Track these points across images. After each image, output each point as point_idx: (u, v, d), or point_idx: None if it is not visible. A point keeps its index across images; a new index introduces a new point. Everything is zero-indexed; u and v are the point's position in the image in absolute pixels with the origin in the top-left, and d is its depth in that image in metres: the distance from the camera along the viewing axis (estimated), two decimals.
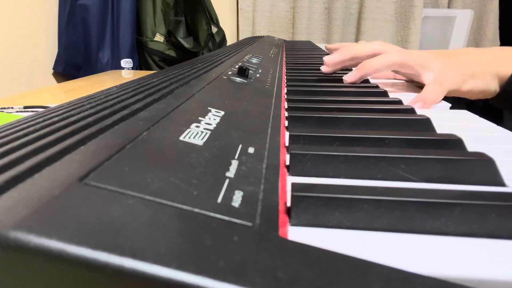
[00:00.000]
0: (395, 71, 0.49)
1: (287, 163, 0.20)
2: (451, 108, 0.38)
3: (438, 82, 0.40)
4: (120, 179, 0.12)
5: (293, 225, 0.14)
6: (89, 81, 0.90)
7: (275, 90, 0.37)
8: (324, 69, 0.51)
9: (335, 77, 0.50)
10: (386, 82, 0.52)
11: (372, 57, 0.45)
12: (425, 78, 0.41)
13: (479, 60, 0.41)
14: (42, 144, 0.14)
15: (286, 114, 0.29)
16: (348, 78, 0.45)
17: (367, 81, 0.48)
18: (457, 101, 0.49)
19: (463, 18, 1.48)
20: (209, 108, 0.24)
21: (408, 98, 0.39)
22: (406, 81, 0.53)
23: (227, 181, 0.15)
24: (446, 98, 0.42)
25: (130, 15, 1.48)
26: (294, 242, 0.11)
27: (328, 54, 0.75)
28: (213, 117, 0.22)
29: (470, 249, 0.13)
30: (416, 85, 0.49)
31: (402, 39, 1.63)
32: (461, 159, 0.19)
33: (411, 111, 0.32)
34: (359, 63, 0.46)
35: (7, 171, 0.12)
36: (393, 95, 0.40)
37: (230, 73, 0.38)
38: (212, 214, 0.12)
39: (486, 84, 0.41)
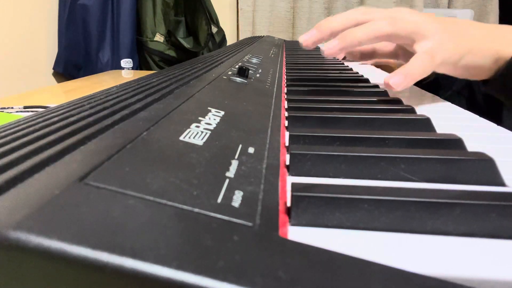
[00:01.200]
0: (376, 51, 0.43)
1: (287, 163, 0.20)
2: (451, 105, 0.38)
3: (429, 54, 0.34)
4: (120, 179, 0.12)
5: (293, 225, 0.14)
6: (89, 81, 0.90)
7: (275, 90, 0.37)
8: (304, 44, 0.42)
9: (335, 77, 0.50)
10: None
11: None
12: (419, 46, 0.35)
13: (481, 35, 0.36)
14: (42, 144, 0.14)
15: (286, 114, 0.29)
16: (327, 49, 0.38)
17: (367, 80, 0.48)
18: (457, 99, 0.48)
19: (463, 18, 1.48)
20: (209, 108, 0.24)
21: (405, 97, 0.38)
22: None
23: (227, 181, 0.15)
24: (446, 97, 0.42)
25: (130, 15, 1.48)
26: (294, 242, 0.11)
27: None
28: (213, 117, 0.22)
29: (470, 249, 0.13)
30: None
31: None
32: (461, 159, 0.19)
33: (411, 111, 0.32)
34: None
35: (7, 171, 0.12)
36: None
37: (230, 73, 0.38)
38: (212, 214, 0.12)
39: (483, 61, 0.36)
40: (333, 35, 0.39)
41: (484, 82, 0.39)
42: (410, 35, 0.35)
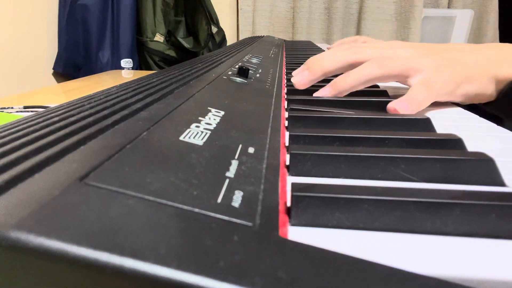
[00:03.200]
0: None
1: (287, 163, 0.20)
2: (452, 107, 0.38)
3: (425, 85, 0.34)
4: (120, 179, 0.12)
5: (293, 225, 0.14)
6: (89, 81, 0.90)
7: (275, 90, 0.37)
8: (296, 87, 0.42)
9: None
10: (388, 86, 0.48)
11: (346, 69, 0.38)
12: (414, 80, 0.35)
13: (475, 60, 0.35)
14: (42, 144, 0.14)
15: (286, 114, 0.29)
16: (320, 95, 0.38)
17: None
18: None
19: (463, 18, 1.48)
20: (209, 108, 0.24)
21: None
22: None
23: (227, 181, 0.15)
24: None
25: (130, 15, 1.48)
26: (294, 242, 0.11)
27: None
28: (213, 117, 0.22)
29: (470, 249, 0.13)
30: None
31: (402, 39, 1.63)
32: (461, 159, 0.19)
33: None
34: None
35: (7, 171, 0.12)
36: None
37: (230, 73, 0.38)
38: (212, 214, 0.12)
39: (483, 87, 0.35)
40: (325, 75, 0.40)
41: (486, 103, 0.38)
42: (403, 73, 0.35)
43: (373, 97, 0.37)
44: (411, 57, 0.36)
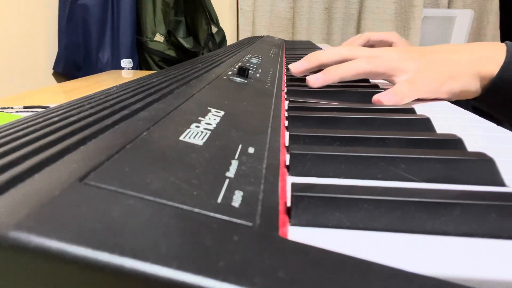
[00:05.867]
0: None
1: (287, 163, 0.20)
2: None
3: (409, 82, 0.37)
4: (120, 179, 0.12)
5: (293, 225, 0.14)
6: (89, 81, 0.90)
7: (275, 90, 0.37)
8: (291, 72, 0.47)
9: None
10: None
11: (340, 62, 0.42)
12: (399, 78, 0.38)
13: (458, 59, 0.38)
14: (42, 144, 0.14)
15: (286, 114, 0.29)
16: (311, 81, 0.41)
17: (367, 80, 0.48)
18: (457, 100, 0.48)
19: (463, 18, 1.48)
20: (209, 108, 0.24)
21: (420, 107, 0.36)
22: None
23: (227, 181, 0.15)
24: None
25: (130, 15, 1.48)
26: (294, 242, 0.11)
27: None
28: (213, 117, 0.22)
29: (470, 249, 0.13)
30: None
31: None
32: (461, 159, 0.19)
33: (411, 111, 0.32)
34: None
35: (7, 171, 0.12)
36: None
37: (230, 73, 0.38)
38: (212, 214, 0.12)
39: (467, 84, 0.38)
40: (320, 66, 0.43)
41: (474, 99, 0.41)
42: (389, 71, 0.39)
43: (364, 89, 0.39)
44: (398, 59, 0.39)
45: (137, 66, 1.55)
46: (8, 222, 0.09)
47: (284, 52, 0.84)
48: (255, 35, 1.52)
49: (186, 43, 1.55)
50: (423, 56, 0.39)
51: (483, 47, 0.39)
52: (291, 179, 0.19)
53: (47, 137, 0.15)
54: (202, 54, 1.56)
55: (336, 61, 0.42)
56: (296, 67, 0.45)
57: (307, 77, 0.41)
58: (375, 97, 0.36)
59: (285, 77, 0.50)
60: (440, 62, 0.38)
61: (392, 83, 0.40)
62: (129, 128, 0.17)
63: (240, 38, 1.75)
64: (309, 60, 0.44)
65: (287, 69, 0.49)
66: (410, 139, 0.23)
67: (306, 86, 0.43)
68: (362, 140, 0.23)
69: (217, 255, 0.10)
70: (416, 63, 0.38)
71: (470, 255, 0.13)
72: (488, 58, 0.38)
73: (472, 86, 0.38)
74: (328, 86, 0.43)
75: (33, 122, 0.18)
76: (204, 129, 0.20)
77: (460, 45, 0.41)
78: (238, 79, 0.36)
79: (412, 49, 0.41)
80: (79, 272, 0.09)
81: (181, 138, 0.18)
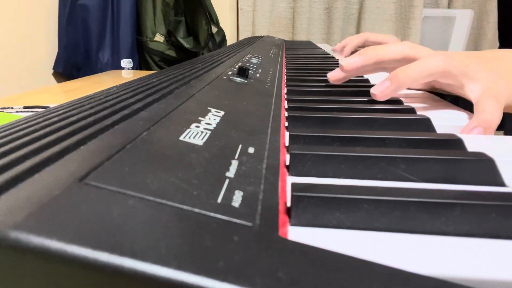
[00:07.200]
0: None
1: (287, 163, 0.20)
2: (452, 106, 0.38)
3: (494, 98, 0.31)
4: (120, 179, 0.12)
5: (293, 225, 0.14)
6: (89, 81, 0.90)
7: (275, 90, 0.37)
8: (336, 75, 0.40)
9: None
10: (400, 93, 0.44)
11: (401, 62, 0.35)
12: (470, 91, 0.33)
13: None
14: (42, 144, 0.14)
15: (286, 114, 0.29)
16: (379, 93, 0.34)
17: (367, 80, 0.48)
18: (458, 100, 0.47)
19: (463, 18, 1.48)
20: (209, 108, 0.24)
21: (427, 111, 0.35)
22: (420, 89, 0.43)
23: (227, 181, 0.15)
24: (443, 96, 0.42)
25: (130, 15, 1.48)
26: (294, 242, 0.11)
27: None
28: (213, 117, 0.22)
29: (470, 249, 0.13)
30: (430, 90, 0.43)
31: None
32: (461, 159, 0.19)
33: (411, 111, 0.32)
34: (382, 68, 0.38)
35: (7, 171, 0.12)
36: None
37: (230, 73, 0.38)
38: (212, 214, 0.12)
39: None
40: (377, 64, 0.38)
41: None
42: (460, 76, 0.33)
43: (363, 88, 0.37)
44: (467, 64, 0.33)
45: (137, 66, 1.55)
46: (8, 222, 0.09)
47: (284, 52, 0.84)
48: (255, 35, 1.52)
49: (186, 43, 1.55)
50: (487, 62, 0.34)
51: None
52: (291, 179, 0.19)
53: (47, 137, 0.15)
54: (202, 54, 1.56)
55: (396, 59, 0.37)
56: (350, 64, 0.38)
57: (372, 91, 0.34)
58: (469, 131, 0.29)
59: (285, 77, 0.50)
60: (509, 70, 0.34)
61: (457, 91, 0.34)
62: (129, 128, 0.17)
63: (240, 38, 1.75)
64: (366, 56, 0.37)
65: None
66: (410, 139, 0.23)
67: (306, 86, 0.43)
68: (362, 140, 0.23)
69: (217, 255, 0.10)
70: (486, 72, 0.33)
71: (470, 255, 0.13)
72: None
73: None
74: (328, 86, 0.43)
75: (33, 122, 0.18)
76: (204, 129, 0.20)
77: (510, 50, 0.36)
78: (238, 79, 0.36)
79: (470, 53, 0.36)
80: (79, 272, 0.09)
81: (181, 138, 0.18)
